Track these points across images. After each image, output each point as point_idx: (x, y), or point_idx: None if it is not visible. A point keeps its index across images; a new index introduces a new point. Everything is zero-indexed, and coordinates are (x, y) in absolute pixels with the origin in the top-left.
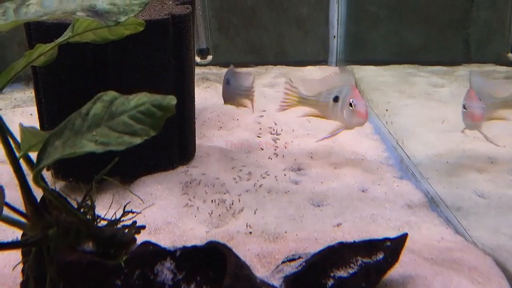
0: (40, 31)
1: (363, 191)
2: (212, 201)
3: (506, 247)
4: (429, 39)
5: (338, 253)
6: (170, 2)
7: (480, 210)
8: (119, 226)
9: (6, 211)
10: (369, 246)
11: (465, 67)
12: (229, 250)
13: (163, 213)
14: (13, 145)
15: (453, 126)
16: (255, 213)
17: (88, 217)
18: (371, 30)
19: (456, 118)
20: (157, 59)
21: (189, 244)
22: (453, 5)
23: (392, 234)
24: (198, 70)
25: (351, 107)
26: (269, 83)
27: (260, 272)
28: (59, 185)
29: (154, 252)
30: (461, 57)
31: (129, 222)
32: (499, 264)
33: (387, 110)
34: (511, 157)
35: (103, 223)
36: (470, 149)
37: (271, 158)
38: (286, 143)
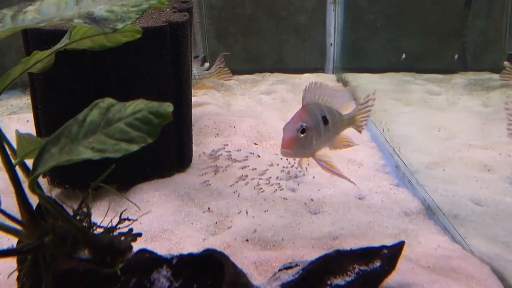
0: (37, 38)
1: (360, 198)
2: (209, 208)
3: (503, 256)
4: (426, 47)
5: (335, 261)
6: (168, 10)
7: (477, 218)
8: (115, 233)
9: (1, 218)
10: (366, 253)
11: (462, 75)
12: (226, 258)
13: (160, 221)
14: (9, 152)
15: (449, 133)
16: (252, 220)
17: (84, 224)
18: (368, 38)
19: (453, 126)
20: (155, 66)
21: (185, 251)
22: (450, 14)
23: (389, 241)
24: None
25: None
26: (266, 90)
27: (257, 280)
28: (55, 192)
29: (151, 260)
30: (457, 65)
31: (125, 230)
32: (496, 273)
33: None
34: (508, 165)
35: (100, 230)
36: (466, 156)
37: (268, 165)
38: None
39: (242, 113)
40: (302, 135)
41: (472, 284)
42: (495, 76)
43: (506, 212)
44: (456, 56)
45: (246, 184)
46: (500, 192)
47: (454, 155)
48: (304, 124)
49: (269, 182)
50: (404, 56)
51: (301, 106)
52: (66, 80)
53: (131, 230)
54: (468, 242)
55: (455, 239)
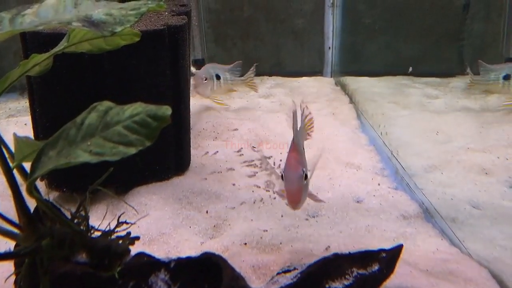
0: (35, 41)
1: (358, 202)
2: (207, 211)
3: (501, 259)
4: (424, 51)
5: (334, 264)
6: (166, 13)
7: (475, 221)
8: (113, 237)
9: None
10: (365, 257)
11: (460, 78)
12: (224, 261)
13: (158, 224)
14: (6, 155)
15: (447, 137)
16: (250, 224)
17: (82, 227)
18: (366, 42)
19: (451, 129)
20: (153, 69)
21: (183, 255)
22: (448, 18)
23: (388, 245)
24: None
25: None
26: (264, 93)
27: (255, 283)
28: (52, 196)
29: (149, 263)
30: (455, 68)
31: (123, 233)
32: (494, 276)
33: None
34: (505, 168)
35: (97, 234)
36: (464, 160)
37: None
38: (281, 153)
39: (240, 116)
40: (305, 181)
41: None
42: None
43: (504, 215)
44: (467, 70)
45: (244, 187)
46: (498, 196)
47: (452, 158)
48: (304, 169)
49: (268, 185)
50: (411, 69)
51: (291, 143)
52: (65, 83)
53: (129, 233)
54: (466, 245)
55: (453, 242)
